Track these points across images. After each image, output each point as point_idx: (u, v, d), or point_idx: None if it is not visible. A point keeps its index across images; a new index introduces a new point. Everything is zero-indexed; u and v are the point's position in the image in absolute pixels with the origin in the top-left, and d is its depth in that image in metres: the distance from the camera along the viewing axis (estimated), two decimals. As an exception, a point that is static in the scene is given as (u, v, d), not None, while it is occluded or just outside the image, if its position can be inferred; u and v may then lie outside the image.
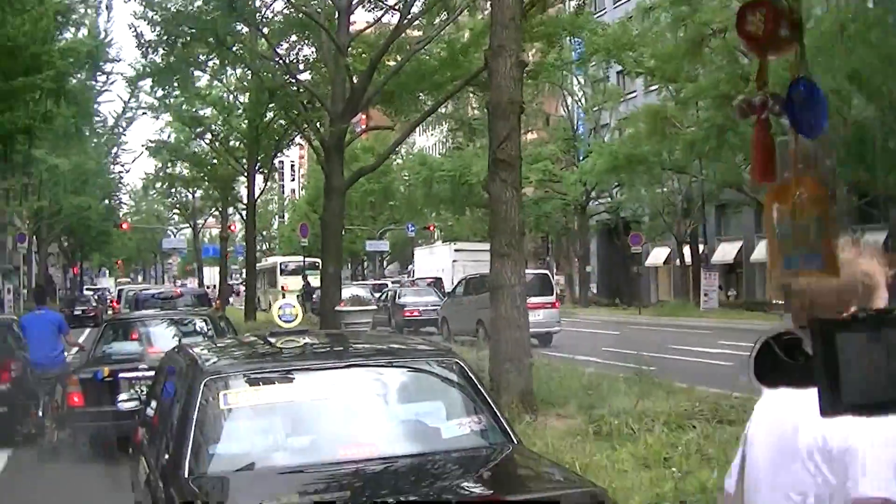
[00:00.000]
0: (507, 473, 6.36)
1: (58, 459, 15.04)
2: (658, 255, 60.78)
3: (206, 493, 5.62)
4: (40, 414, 16.01)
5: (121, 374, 14.25)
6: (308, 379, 6.60)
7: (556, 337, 31.11)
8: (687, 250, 55.04)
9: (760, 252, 51.84)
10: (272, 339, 7.69)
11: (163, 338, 15.96)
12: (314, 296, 40.43)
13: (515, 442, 6.43)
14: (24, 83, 28.95)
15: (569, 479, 6.12)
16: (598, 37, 31.66)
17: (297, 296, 47.30)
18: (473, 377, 6.74)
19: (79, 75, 37.43)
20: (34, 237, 62.99)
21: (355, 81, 25.58)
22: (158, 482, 6.27)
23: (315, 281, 45.08)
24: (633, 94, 58.93)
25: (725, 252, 55.25)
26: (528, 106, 19.32)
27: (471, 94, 36.62)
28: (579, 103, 62.70)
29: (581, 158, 59.54)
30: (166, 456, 6.26)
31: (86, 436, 14.90)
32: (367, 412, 6.54)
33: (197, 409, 6.11)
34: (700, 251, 54.24)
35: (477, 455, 6.31)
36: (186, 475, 5.79)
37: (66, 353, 17.32)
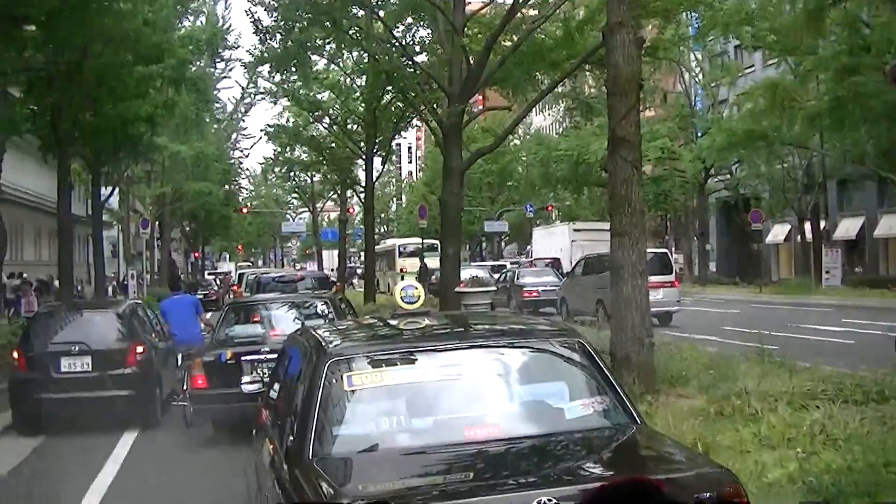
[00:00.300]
0: (631, 455, 6.29)
1: (182, 441, 15.38)
2: (778, 232, 59.77)
3: (331, 475, 5.66)
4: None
5: (244, 357, 14.45)
6: (431, 360, 6.54)
7: (676, 316, 30.84)
8: (808, 227, 54.06)
9: (884, 228, 50.74)
10: (394, 321, 7.69)
11: (284, 320, 16.23)
12: (433, 277, 40.60)
13: (639, 422, 6.37)
14: (147, 72, 29.52)
15: (694, 460, 6.04)
16: (716, 11, 31.13)
17: (414, 277, 47.60)
18: (596, 357, 6.68)
19: (198, 63, 38.10)
20: (157, 223, 64.21)
21: (472, 62, 25.58)
22: (282, 464, 6.34)
23: (433, 262, 45.30)
24: (752, 69, 57.97)
25: (847, 228, 54.17)
26: (646, 83, 19.13)
27: (587, 73, 36.34)
28: (697, 79, 61.88)
29: (699, 135, 58.78)
30: (290, 438, 6.32)
31: (210, 418, 15.24)
32: (489, 393, 6.50)
33: (321, 390, 6.16)
34: (821, 227, 53.22)
35: (601, 436, 6.26)
36: (310, 456, 5.86)
37: (203, 332, 18.60)
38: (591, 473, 5.80)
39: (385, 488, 5.65)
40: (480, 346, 6.90)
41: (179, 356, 18.02)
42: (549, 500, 4.89)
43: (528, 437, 6.09)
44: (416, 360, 6.55)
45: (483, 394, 6.49)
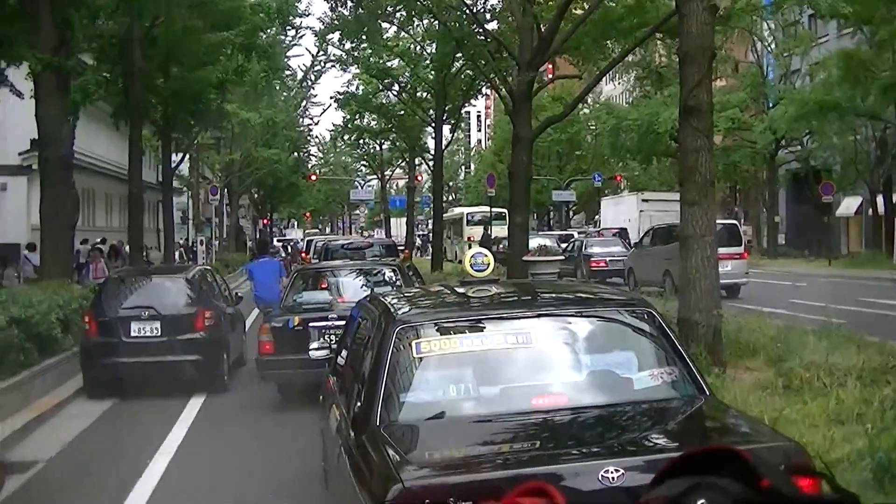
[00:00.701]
0: (698, 426, 6.30)
1: (249, 405, 15.53)
2: (849, 205, 58.85)
3: (397, 442, 5.66)
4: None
5: (311, 324, 14.58)
6: (499, 328, 6.50)
7: (744, 289, 30.54)
8: (880, 200, 53.21)
9: (958, 201, 49.86)
10: (462, 288, 7.71)
11: (352, 287, 16.38)
12: (501, 246, 40.57)
13: (707, 394, 6.32)
14: (218, 39, 29.69)
15: (763, 432, 5.99)
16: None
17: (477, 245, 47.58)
18: (666, 327, 6.64)
19: (269, 30, 38.21)
20: (226, 190, 64.64)
21: (542, 30, 25.43)
22: (349, 430, 6.35)
23: (500, 231, 45.24)
24: (825, 38, 56.98)
25: (920, 202, 53.24)
26: (717, 52, 18.90)
27: (658, 41, 36.04)
28: (769, 49, 60.93)
29: (770, 106, 57.97)
30: (357, 404, 6.34)
31: (277, 382, 15.37)
32: (557, 362, 6.48)
33: (389, 357, 6.15)
34: (893, 201, 52.37)
35: (668, 407, 6.25)
36: (377, 423, 5.86)
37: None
38: (658, 444, 5.78)
39: (451, 456, 5.73)
40: (549, 315, 6.86)
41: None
42: (616, 471, 4.84)
43: (595, 406, 6.08)
44: (485, 327, 6.53)
45: (551, 363, 6.48)
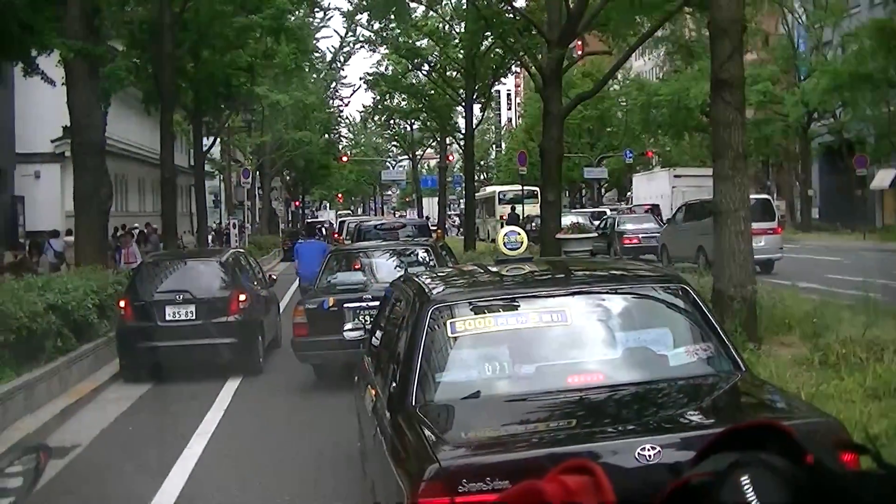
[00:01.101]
0: (735, 402, 6.25)
1: (284, 388, 15.59)
2: (884, 178, 58.35)
3: (433, 421, 5.67)
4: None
5: (346, 305, 14.65)
6: (533, 306, 6.46)
7: (778, 264, 30.37)
8: (915, 171, 52.87)
9: None
10: (496, 267, 7.72)
11: (386, 268, 16.42)
12: (533, 224, 40.49)
13: (743, 370, 6.27)
14: (246, 22, 29.75)
15: (800, 408, 5.93)
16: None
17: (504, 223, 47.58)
18: (701, 303, 6.59)
19: (297, 12, 38.24)
20: (258, 172, 64.85)
21: (571, 6, 25.32)
22: (385, 411, 6.33)
23: (532, 209, 45.18)
24: (857, 9, 56.53)
25: (956, 174, 52.84)
26: (748, 25, 18.73)
27: (688, 15, 35.82)
28: (800, 20, 60.52)
29: (802, 78, 57.62)
30: (393, 384, 6.32)
31: (312, 363, 15.43)
32: (592, 339, 6.45)
33: (424, 337, 6.14)
34: (929, 173, 52.02)
35: (705, 383, 6.21)
36: (413, 403, 5.86)
37: None
38: (694, 421, 5.74)
39: (487, 435, 5.70)
40: (583, 292, 6.81)
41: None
42: (653, 448, 4.82)
43: (631, 384, 6.05)
44: (519, 306, 6.50)
45: (586, 340, 6.45)
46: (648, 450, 4.82)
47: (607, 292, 6.78)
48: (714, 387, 6.25)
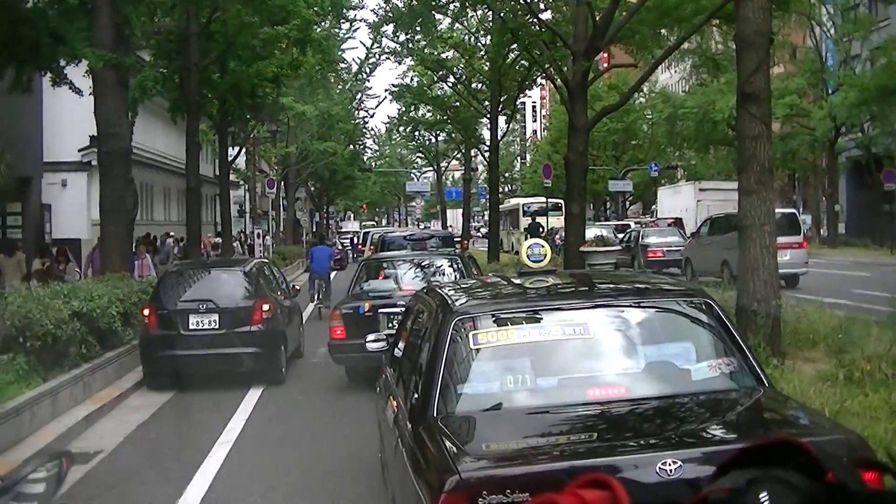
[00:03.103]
0: (756, 418, 6.24)
1: (307, 397, 15.63)
2: (912, 193, 58.15)
3: (454, 433, 5.66)
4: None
5: (381, 310, 15.15)
6: (556, 319, 6.47)
7: (803, 278, 30.24)
8: (945, 187, 52.47)
9: None
10: (520, 279, 7.73)
11: (415, 277, 17.06)
12: (558, 237, 40.45)
13: (766, 385, 6.25)
14: (272, 33, 29.86)
15: (821, 424, 5.94)
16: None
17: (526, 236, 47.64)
18: (724, 317, 6.57)
19: (323, 23, 38.33)
20: (282, 182, 64.99)
21: (597, 19, 25.32)
22: (406, 422, 6.34)
23: (556, 222, 45.15)
24: (886, 22, 56.21)
25: None
26: (775, 37, 18.62)
27: (714, 28, 35.77)
28: (828, 34, 60.26)
29: (830, 92, 57.38)
30: (415, 395, 6.34)
31: (346, 366, 15.94)
32: (615, 353, 6.45)
33: (446, 348, 6.16)
34: (959, 188, 51.62)
35: (727, 398, 6.21)
36: (434, 415, 5.87)
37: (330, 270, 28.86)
38: (716, 436, 5.74)
39: (508, 447, 5.73)
40: (606, 306, 6.83)
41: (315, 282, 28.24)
42: (674, 463, 4.83)
43: (653, 398, 6.05)
44: (542, 318, 6.51)
45: (608, 353, 6.45)
46: (670, 464, 4.81)
47: (630, 305, 6.75)
48: (736, 402, 6.24)
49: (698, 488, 1.68)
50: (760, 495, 1.46)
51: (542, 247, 7.99)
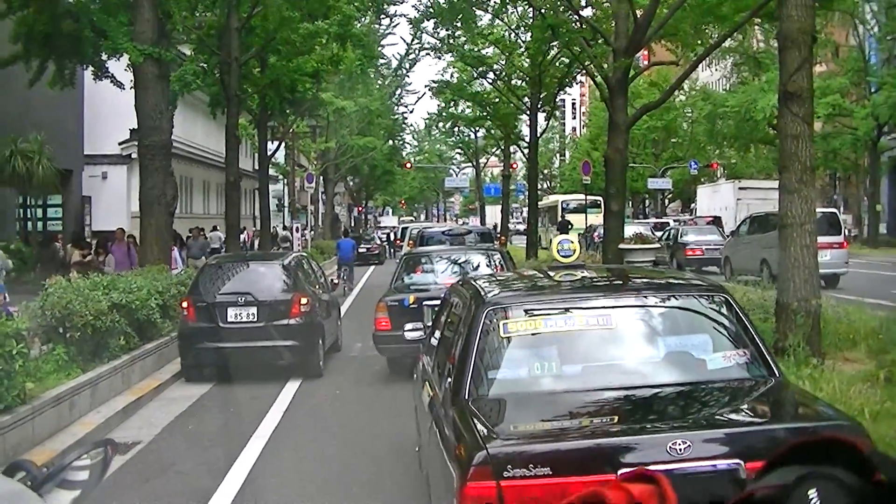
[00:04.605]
0: (764, 404, 6.61)
1: (344, 390, 15.67)
2: (956, 193, 57.63)
3: (485, 415, 6.06)
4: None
5: (425, 302, 15.41)
6: (581, 310, 6.88)
7: (844, 278, 30.02)
8: None
9: None
10: (548, 273, 8.18)
11: (455, 270, 17.34)
12: (597, 234, 40.38)
13: (778, 376, 6.60)
14: (313, 28, 29.92)
15: (826, 412, 6.14)
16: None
17: (578, 234, 47.58)
18: (740, 312, 6.98)
19: (364, 19, 38.38)
20: (321, 177, 65.16)
21: (638, 16, 25.19)
22: (440, 405, 6.80)
23: (595, 219, 45.05)
24: (932, 20, 55.79)
25: None
26: (818, 36, 18.40)
27: (756, 26, 35.52)
28: (871, 32, 59.77)
29: (873, 91, 56.92)
30: (449, 380, 6.74)
31: (390, 357, 16.37)
32: (636, 343, 6.88)
33: (478, 336, 6.60)
34: None
35: (739, 387, 6.60)
36: (466, 397, 6.30)
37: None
38: (725, 420, 6.17)
39: (533, 428, 6.15)
40: (629, 299, 7.26)
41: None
42: (684, 443, 5.25)
43: (669, 384, 6.46)
44: (568, 309, 6.91)
45: (630, 343, 6.87)
46: (679, 444, 5.24)
47: (651, 299, 7.20)
48: (747, 390, 6.63)
49: (741, 486, 1.67)
50: (809, 492, 1.45)
51: (572, 243, 8.39)
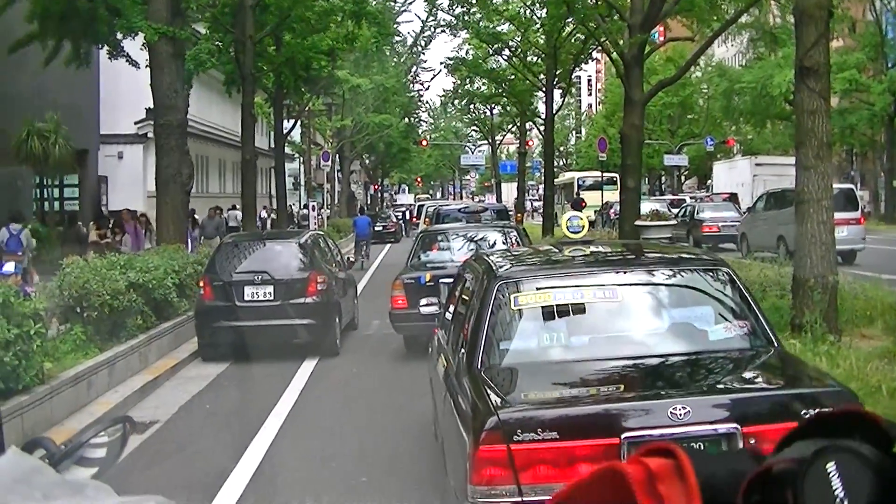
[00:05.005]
0: (761, 372, 6.87)
1: (361, 369, 15.70)
2: (973, 169, 57.29)
3: (496, 383, 6.40)
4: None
5: (441, 280, 15.37)
6: (588, 284, 7.15)
7: (861, 255, 29.91)
8: None
9: None
10: (559, 248, 8.51)
11: (471, 247, 17.28)
12: (612, 211, 40.32)
13: (776, 346, 6.86)
14: (328, 6, 29.87)
15: (821, 379, 6.44)
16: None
17: (594, 211, 47.59)
18: (741, 285, 7.24)
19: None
20: (337, 155, 65.15)
21: (654, -8, 25.09)
22: (454, 375, 7.06)
23: (611, 196, 44.99)
24: (949, -5, 55.48)
25: None
26: (834, 11, 18.27)
27: (773, 1, 35.38)
28: (889, 7, 59.44)
29: (889, 66, 56.64)
30: (462, 351, 7.04)
31: (407, 335, 16.35)
32: (641, 314, 7.19)
33: (490, 309, 6.88)
34: None
35: (738, 356, 6.85)
36: (479, 366, 6.58)
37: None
38: (723, 387, 6.53)
39: (541, 395, 6.51)
40: (635, 273, 7.69)
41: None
42: (683, 408, 5.52)
43: (672, 354, 6.74)
44: (575, 283, 7.18)
45: (635, 315, 7.17)
46: (680, 409, 5.52)
47: (656, 273, 7.52)
48: (746, 359, 6.89)
49: (759, 460, 1.67)
50: (828, 465, 1.44)
51: (581, 219, 8.65)
